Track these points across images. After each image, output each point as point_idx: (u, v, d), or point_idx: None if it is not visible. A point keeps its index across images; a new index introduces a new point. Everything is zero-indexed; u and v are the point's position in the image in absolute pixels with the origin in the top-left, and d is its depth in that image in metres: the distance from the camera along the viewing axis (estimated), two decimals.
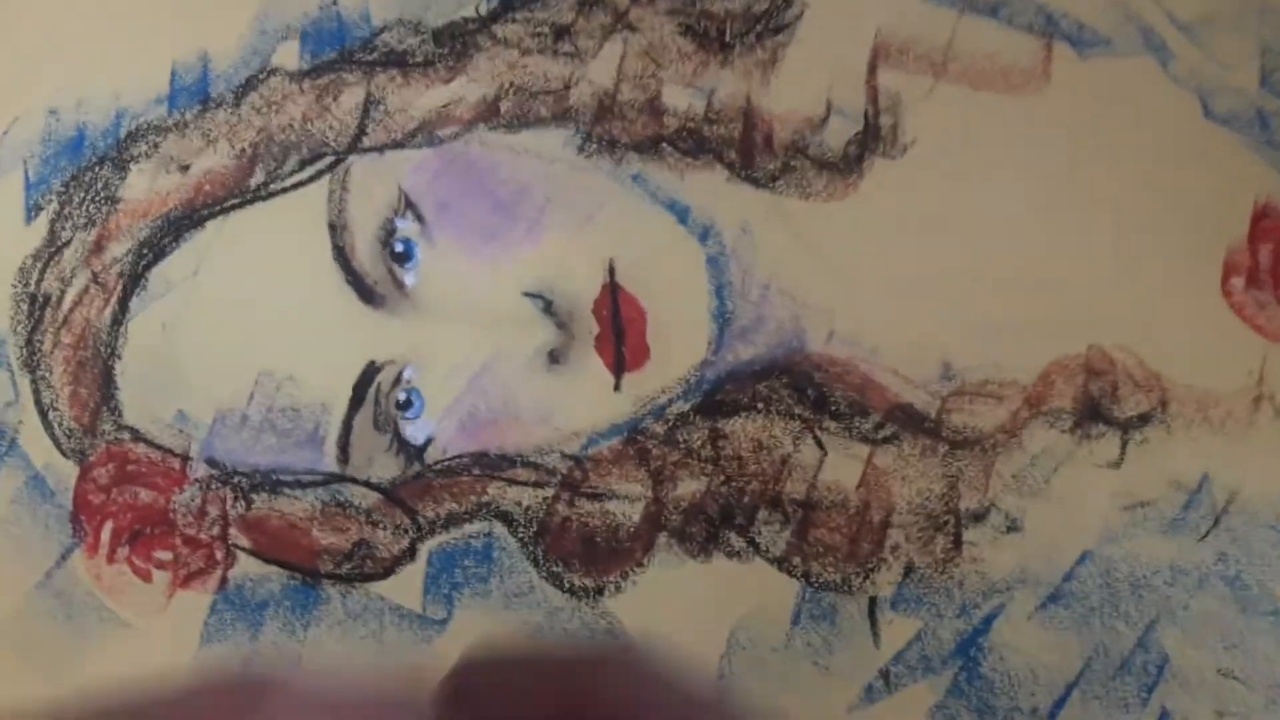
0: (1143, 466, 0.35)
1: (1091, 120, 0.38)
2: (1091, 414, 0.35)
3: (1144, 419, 0.35)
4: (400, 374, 0.35)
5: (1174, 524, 0.34)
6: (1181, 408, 0.35)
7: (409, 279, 0.35)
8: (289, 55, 0.40)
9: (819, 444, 0.34)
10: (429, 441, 0.35)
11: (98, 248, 0.37)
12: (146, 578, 0.38)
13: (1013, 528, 0.34)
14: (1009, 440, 0.35)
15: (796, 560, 0.34)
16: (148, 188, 0.37)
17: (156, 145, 0.37)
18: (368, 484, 0.34)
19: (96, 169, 0.37)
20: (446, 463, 0.35)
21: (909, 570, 0.34)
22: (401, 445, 0.35)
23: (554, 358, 0.36)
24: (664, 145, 0.37)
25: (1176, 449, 0.35)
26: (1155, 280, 0.36)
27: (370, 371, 0.35)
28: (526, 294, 0.36)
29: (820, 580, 0.34)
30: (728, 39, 0.38)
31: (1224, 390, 0.35)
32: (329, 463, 0.35)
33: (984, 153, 0.37)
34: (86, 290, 0.36)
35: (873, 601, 0.33)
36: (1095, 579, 0.33)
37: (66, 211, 0.36)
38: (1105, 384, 0.35)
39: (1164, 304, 0.36)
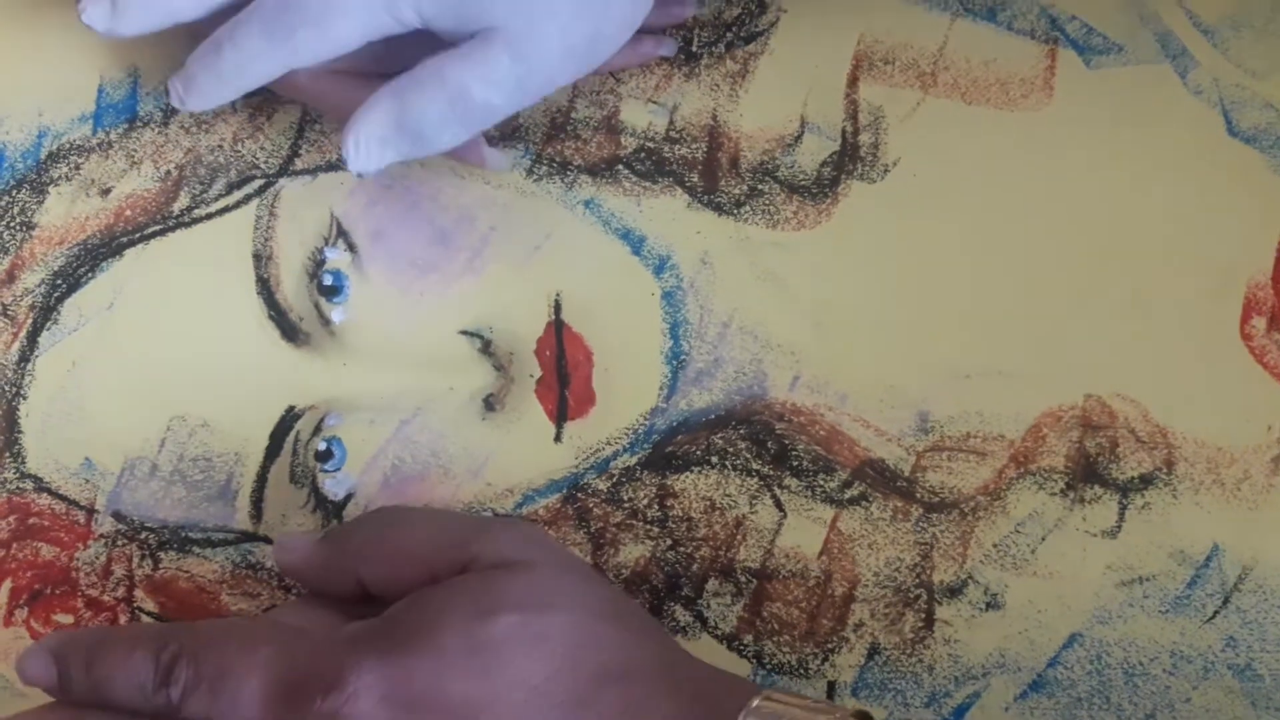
0: (1143, 536, 0.42)
1: (1098, 138, 0.40)
2: (1086, 474, 0.37)
3: (1146, 481, 0.36)
4: (321, 421, 0.37)
5: (1177, 603, 0.35)
6: (1190, 468, 0.36)
7: (337, 315, 0.38)
8: None
9: (778, 504, 0.36)
10: (349, 497, 0.38)
11: (9, 278, 0.41)
12: None
13: (992, 604, 0.36)
14: (991, 503, 0.36)
15: (748, 638, 0.36)
16: (65, 213, 0.41)
17: (78, 167, 0.42)
18: None
19: (14, 192, 0.40)
20: None
21: (873, 652, 0.36)
22: (319, 501, 0.38)
23: (490, 404, 0.38)
24: (620, 168, 0.39)
25: (1183, 516, 0.42)
26: (1164, 321, 0.38)
27: (289, 418, 0.38)
28: (464, 332, 0.38)
29: (774, 661, 0.36)
30: (694, 49, 0.40)
31: (1240, 448, 0.36)
32: (241, 519, 0.38)
33: (975, 175, 0.40)
34: None
35: (831, 687, 0.35)
36: (1085, 665, 0.35)
37: None
38: (1103, 440, 0.37)
39: (1173, 348, 0.38)
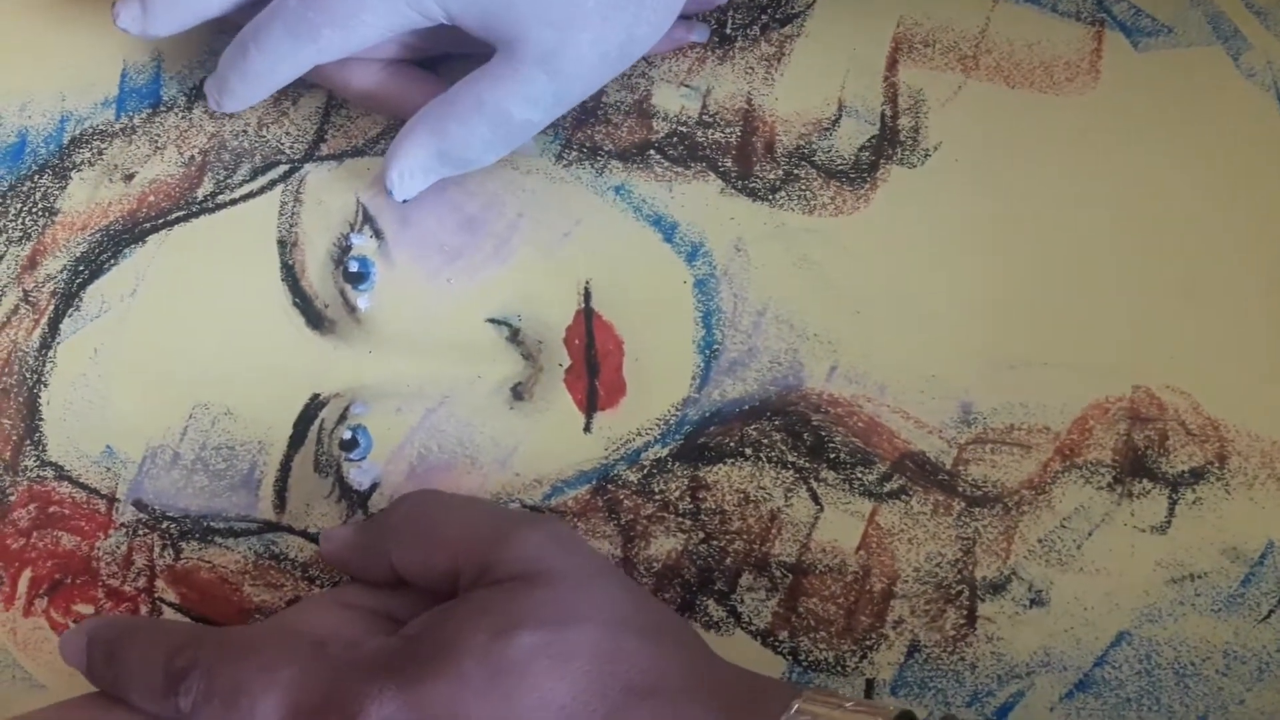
0: (1194, 532, 0.41)
1: (1147, 122, 0.39)
2: (1135, 468, 0.36)
3: (1197, 475, 0.35)
4: (346, 409, 0.36)
5: (1230, 601, 0.39)
6: (1244, 462, 0.35)
7: (362, 302, 0.37)
8: None
9: (814, 498, 0.35)
10: (374, 487, 0.37)
11: (31, 264, 0.40)
12: None
13: (1037, 601, 0.40)
14: (1036, 498, 0.35)
15: (784, 634, 0.35)
16: (88, 198, 0.40)
17: (101, 152, 0.41)
18: (305, 534, 0.36)
19: (36, 178, 0.39)
20: None
21: (913, 649, 0.38)
22: (344, 491, 0.36)
23: (518, 393, 0.37)
24: (652, 153, 0.38)
25: (1236, 511, 0.40)
26: (1215, 310, 0.37)
27: (313, 406, 0.37)
28: (491, 320, 0.37)
29: (810, 659, 0.35)
30: (728, 31, 0.39)
31: None
32: (264, 509, 0.37)
33: (1019, 160, 0.38)
34: (16, 310, 0.39)
35: (870, 685, 0.35)
36: (1133, 665, 0.39)
37: (2, 225, 0.38)
38: (1152, 432, 0.36)
39: (1225, 338, 0.37)
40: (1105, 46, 0.44)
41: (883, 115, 0.44)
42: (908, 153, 0.44)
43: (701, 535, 0.41)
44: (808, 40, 0.45)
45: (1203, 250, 0.42)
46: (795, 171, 0.44)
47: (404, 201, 0.42)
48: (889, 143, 0.44)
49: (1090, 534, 0.40)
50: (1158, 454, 0.41)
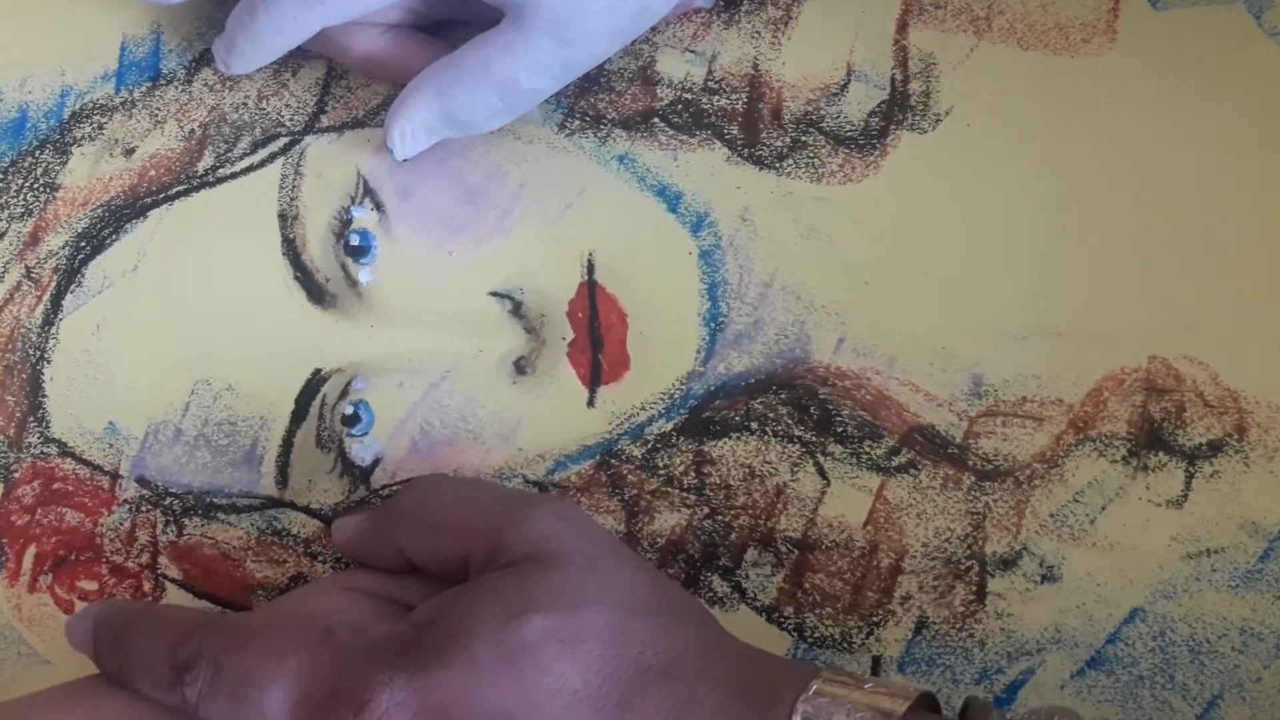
0: (1211, 506, 0.40)
1: (1165, 84, 0.39)
2: (1150, 440, 0.40)
3: (1215, 448, 0.36)
4: (348, 384, 0.36)
5: (1247, 577, 0.39)
6: (1264, 434, 0.36)
7: (364, 276, 0.37)
8: None
9: (821, 472, 0.35)
10: (377, 462, 0.37)
11: (33, 240, 0.40)
12: (69, 610, 0.43)
13: (1048, 577, 0.40)
14: (1048, 471, 0.35)
15: (789, 610, 0.39)
16: (89, 173, 0.40)
17: (101, 126, 0.40)
18: (307, 510, 0.37)
19: (37, 153, 0.39)
20: (395, 487, 0.42)
21: (921, 626, 0.40)
22: (346, 466, 0.36)
23: (521, 367, 0.36)
24: (656, 121, 0.38)
25: (1254, 485, 0.39)
26: (1235, 278, 0.39)
27: (315, 381, 0.37)
28: (494, 293, 0.36)
29: (816, 635, 0.40)
30: None
31: None
32: (266, 484, 0.37)
33: (1033, 125, 0.39)
34: (18, 287, 0.39)
35: (876, 662, 0.40)
36: (1147, 641, 0.39)
37: (3, 201, 0.38)
38: (1169, 404, 0.36)
39: (1245, 307, 0.41)
40: (1122, 5, 0.43)
41: (893, 79, 0.43)
42: (918, 118, 0.43)
43: (706, 510, 0.41)
44: (815, 3, 0.44)
45: (1223, 216, 0.42)
46: (803, 138, 0.43)
47: (404, 160, 0.42)
48: (899, 108, 0.43)
49: (1104, 508, 0.40)
50: (1174, 426, 0.40)
